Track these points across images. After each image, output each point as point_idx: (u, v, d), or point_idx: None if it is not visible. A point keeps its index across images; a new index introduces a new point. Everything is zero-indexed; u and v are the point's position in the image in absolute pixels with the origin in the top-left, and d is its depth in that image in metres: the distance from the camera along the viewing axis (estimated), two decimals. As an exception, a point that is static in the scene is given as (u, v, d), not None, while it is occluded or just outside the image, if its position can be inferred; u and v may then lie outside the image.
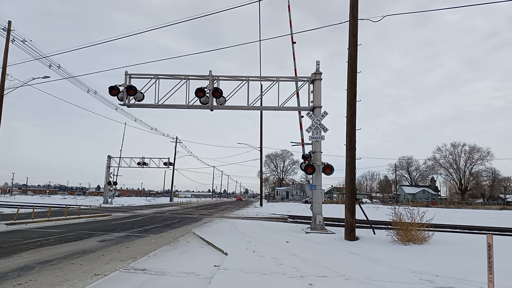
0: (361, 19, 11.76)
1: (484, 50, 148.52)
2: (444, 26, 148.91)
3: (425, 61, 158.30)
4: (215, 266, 7.02)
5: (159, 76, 14.66)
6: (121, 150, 41.59)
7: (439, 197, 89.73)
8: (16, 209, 18.24)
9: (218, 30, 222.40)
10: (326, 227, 13.85)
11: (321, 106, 14.23)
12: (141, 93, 14.50)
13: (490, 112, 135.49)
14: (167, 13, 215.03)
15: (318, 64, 14.50)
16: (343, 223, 11.53)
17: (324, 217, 14.05)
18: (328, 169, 13.60)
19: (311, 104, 14.50)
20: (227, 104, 14.76)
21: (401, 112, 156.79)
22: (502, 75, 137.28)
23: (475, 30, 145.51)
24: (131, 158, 42.31)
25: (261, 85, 15.83)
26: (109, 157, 41.68)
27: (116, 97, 14.18)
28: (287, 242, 10.35)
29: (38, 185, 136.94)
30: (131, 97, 14.37)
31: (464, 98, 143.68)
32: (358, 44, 11.52)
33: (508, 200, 76.73)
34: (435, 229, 11.19)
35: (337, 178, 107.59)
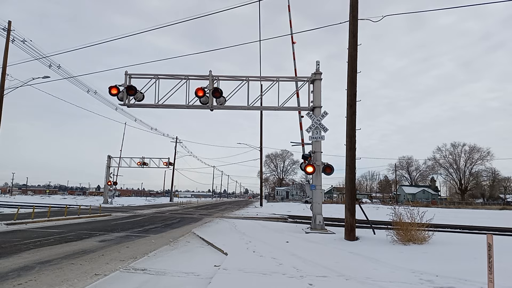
0: (361, 19, 11.77)
1: (478, 52, 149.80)
2: (439, 28, 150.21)
3: (421, 62, 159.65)
4: (215, 266, 7.02)
5: (159, 76, 14.66)
6: (121, 150, 41.70)
7: (439, 197, 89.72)
8: (16, 209, 18.24)
9: (216, 32, 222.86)
10: (326, 227, 13.85)
11: (321, 106, 14.23)
12: (141, 93, 14.49)
13: (486, 113, 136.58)
14: (166, 16, 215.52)
15: (318, 64, 14.49)
16: (343, 223, 11.53)
17: (324, 217, 14.05)
18: (328, 169, 13.60)
19: (311, 104, 14.50)
20: (227, 104, 14.75)
21: (399, 113, 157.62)
22: (496, 76, 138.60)
23: (469, 32, 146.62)
24: (131, 158, 42.37)
25: (261, 85, 15.84)
26: (109, 157, 41.69)
27: (116, 97, 14.17)
28: (287, 242, 10.35)
29: (38, 185, 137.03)
30: (131, 97, 14.36)
31: (460, 99, 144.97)
32: (358, 44, 11.53)
33: (508, 200, 76.73)
34: (435, 229, 11.19)
35: (337, 178, 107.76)
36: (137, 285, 5.63)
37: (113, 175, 41.93)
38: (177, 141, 60.05)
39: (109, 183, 41.18)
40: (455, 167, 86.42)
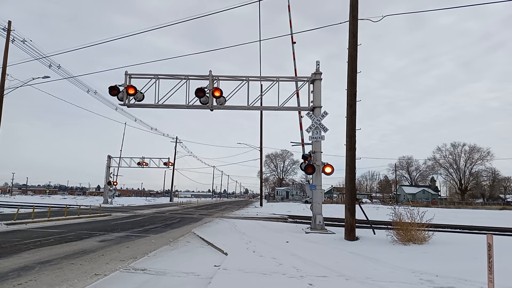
0: (361, 19, 11.77)
1: (478, 52, 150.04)
2: (439, 28, 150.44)
3: (421, 62, 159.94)
4: (215, 266, 7.02)
5: (159, 76, 14.66)
6: (121, 150, 41.69)
7: (439, 197, 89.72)
8: (16, 209, 18.24)
9: (216, 32, 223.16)
10: (326, 227, 13.85)
11: (321, 106, 14.23)
12: (141, 93, 14.49)
13: (486, 113, 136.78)
14: (166, 16, 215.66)
15: (318, 64, 14.49)
16: (343, 223, 11.53)
17: (324, 217, 14.04)
18: (328, 169, 13.59)
19: (311, 104, 14.50)
20: (227, 104, 14.75)
21: (399, 113, 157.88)
22: (497, 76, 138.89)
23: (469, 32, 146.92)
24: (131, 158, 42.36)
25: (261, 85, 15.83)
26: (109, 157, 41.68)
27: (116, 97, 14.17)
28: (287, 242, 10.35)
29: (38, 185, 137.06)
30: (131, 97, 14.36)
31: (460, 99, 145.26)
32: (358, 44, 11.53)
33: (508, 200, 76.72)
34: (435, 229, 11.19)
35: (337, 178, 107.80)
36: (137, 285, 5.63)
37: (113, 175, 41.93)
38: (177, 141, 60.09)
39: (109, 183, 41.19)
40: (455, 167, 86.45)
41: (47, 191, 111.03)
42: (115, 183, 42.06)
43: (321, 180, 14.01)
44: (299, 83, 15.12)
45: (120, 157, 41.32)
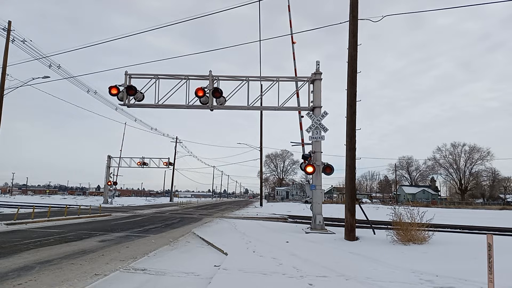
0: (361, 19, 11.77)
1: (478, 52, 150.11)
2: (437, 29, 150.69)
3: (420, 62, 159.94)
4: (215, 266, 7.02)
5: (159, 76, 14.66)
6: (121, 150, 41.62)
7: (439, 197, 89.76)
8: (16, 209, 18.24)
9: (215, 32, 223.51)
10: (326, 227, 13.85)
11: (321, 106, 14.23)
12: (141, 93, 14.49)
13: (486, 113, 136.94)
14: (166, 16, 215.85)
15: (318, 64, 14.49)
16: (343, 223, 11.53)
17: (324, 217, 14.05)
18: (328, 169, 13.60)
19: (311, 104, 14.50)
20: (227, 104, 14.75)
21: (399, 113, 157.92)
22: (496, 77, 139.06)
23: (468, 33, 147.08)
24: (131, 158, 42.36)
25: (261, 85, 15.82)
26: (109, 157, 41.67)
27: (116, 97, 14.17)
28: (287, 242, 10.35)
29: (38, 185, 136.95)
30: (131, 97, 14.36)
31: (459, 99, 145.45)
32: (358, 44, 11.53)
33: (508, 200, 76.73)
34: (435, 229, 11.19)
35: (337, 178, 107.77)
36: (137, 285, 5.63)
37: (113, 175, 41.92)
38: (177, 141, 60.11)
39: (109, 183, 41.20)
40: (455, 167, 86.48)
41: (47, 191, 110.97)
42: (115, 183, 42.07)
43: (321, 180, 14.01)
44: (299, 83, 15.12)
45: (120, 157, 41.33)
